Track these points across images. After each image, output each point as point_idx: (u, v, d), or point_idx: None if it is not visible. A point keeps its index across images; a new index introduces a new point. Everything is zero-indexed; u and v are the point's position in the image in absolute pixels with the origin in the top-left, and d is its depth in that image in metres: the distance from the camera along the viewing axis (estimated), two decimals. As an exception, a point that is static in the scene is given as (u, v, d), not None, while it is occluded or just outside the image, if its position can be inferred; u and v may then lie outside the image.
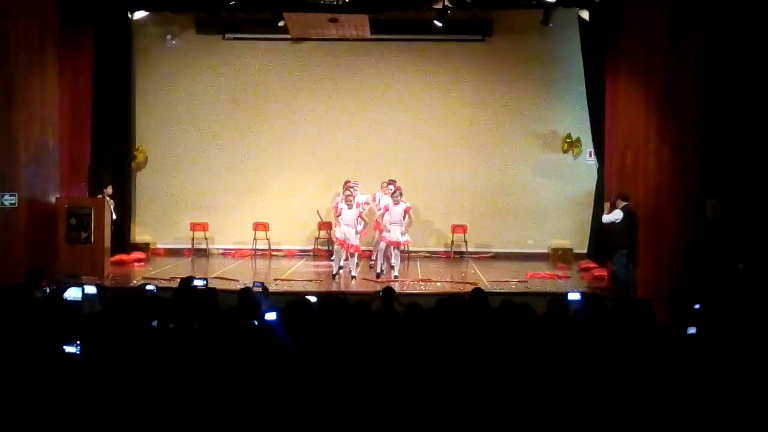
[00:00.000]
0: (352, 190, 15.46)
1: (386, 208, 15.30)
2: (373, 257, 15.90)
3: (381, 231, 15.37)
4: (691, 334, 6.72)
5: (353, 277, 14.76)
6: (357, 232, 14.82)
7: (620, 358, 5.91)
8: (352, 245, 14.71)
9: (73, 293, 8.03)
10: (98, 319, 6.89)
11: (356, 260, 15.10)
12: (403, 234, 15.12)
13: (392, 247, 15.14)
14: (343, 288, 14.11)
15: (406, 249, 16.40)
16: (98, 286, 8.70)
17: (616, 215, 13.34)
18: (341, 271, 15.01)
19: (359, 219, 14.88)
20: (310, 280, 14.61)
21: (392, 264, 15.21)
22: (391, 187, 15.86)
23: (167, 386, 5.28)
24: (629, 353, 6.01)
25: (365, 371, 5.49)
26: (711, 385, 5.40)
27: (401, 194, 15.28)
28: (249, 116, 18.56)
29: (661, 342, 6.34)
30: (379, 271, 15.08)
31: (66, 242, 14.34)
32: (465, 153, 18.46)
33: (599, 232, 15.68)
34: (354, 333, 6.40)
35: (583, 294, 8.67)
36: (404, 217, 15.11)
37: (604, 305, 7.97)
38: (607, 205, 14.19)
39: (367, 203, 16.17)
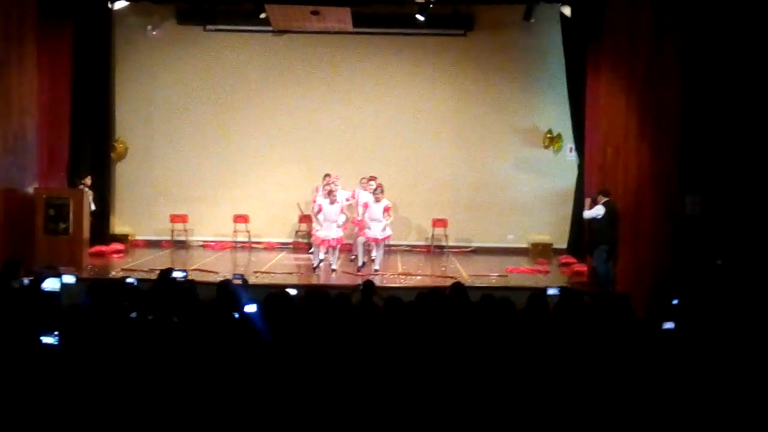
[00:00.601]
0: (333, 185, 15.44)
1: (365, 206, 15.30)
2: (354, 251, 15.89)
3: (362, 228, 15.37)
4: (668, 329, 6.76)
5: (333, 270, 14.75)
6: (338, 226, 14.80)
7: (598, 353, 5.94)
8: (333, 239, 14.70)
9: (51, 284, 7.97)
10: (76, 310, 6.84)
11: (337, 254, 15.09)
12: (383, 230, 15.12)
13: (373, 243, 15.15)
14: (323, 281, 14.11)
15: (386, 243, 16.40)
16: (77, 278, 8.64)
17: (598, 211, 13.38)
18: (321, 264, 15.00)
19: (340, 214, 14.86)
20: (291, 273, 14.65)
21: (373, 258, 15.22)
22: (373, 183, 15.84)
23: (146, 378, 5.25)
24: (607, 348, 6.05)
25: (345, 364, 5.48)
26: (689, 381, 5.44)
27: (382, 191, 15.26)
28: (230, 108, 18.48)
29: (639, 337, 6.37)
30: (360, 264, 15.08)
31: (44, 233, 14.24)
32: (446, 147, 18.48)
33: (579, 227, 15.76)
34: (334, 326, 6.39)
35: (562, 289, 8.70)
36: (384, 214, 15.11)
37: (583, 300, 8.01)
38: (587, 201, 14.24)
39: (348, 200, 16.12)
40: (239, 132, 18.50)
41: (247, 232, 18.10)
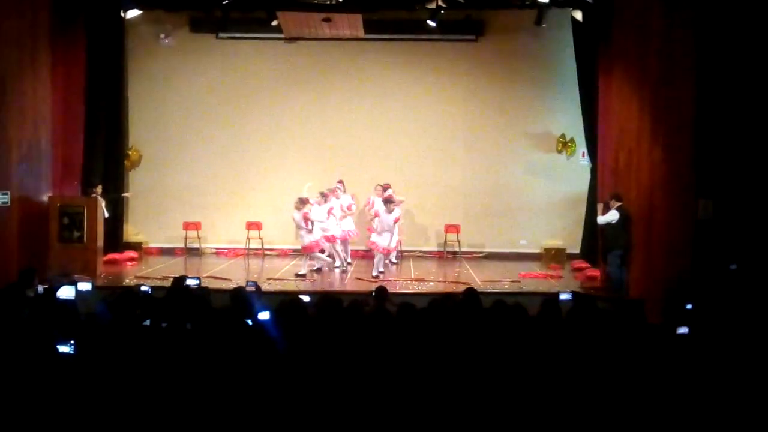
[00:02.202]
0: (337, 188, 15.64)
1: (376, 214, 15.38)
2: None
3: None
4: (682, 334, 6.74)
5: (317, 270, 15.19)
6: (322, 231, 15.04)
7: (612, 358, 5.93)
8: (314, 242, 14.89)
9: (66, 292, 8.01)
10: (91, 318, 6.88)
11: (329, 258, 15.40)
12: (391, 240, 15.24)
13: (376, 251, 15.28)
14: (336, 287, 14.12)
15: (399, 249, 16.47)
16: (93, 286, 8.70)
17: (612, 216, 13.34)
18: (337, 268, 15.29)
19: (327, 217, 15.09)
20: (304, 280, 14.62)
21: (393, 261, 15.35)
22: (389, 190, 15.89)
23: (160, 386, 5.27)
24: (621, 353, 6.03)
25: (358, 371, 5.49)
26: (703, 386, 5.42)
27: (393, 202, 15.33)
28: (242, 115, 18.53)
29: (652, 342, 6.36)
30: (374, 273, 15.08)
31: (58, 241, 14.32)
32: (458, 153, 18.47)
33: (592, 232, 15.72)
34: (347, 333, 6.40)
35: (575, 294, 8.69)
36: (395, 225, 15.21)
37: (596, 305, 8.00)
38: (600, 206, 14.19)
39: (349, 208, 16.22)
40: (252, 139, 18.54)
41: (260, 238, 18.13)
